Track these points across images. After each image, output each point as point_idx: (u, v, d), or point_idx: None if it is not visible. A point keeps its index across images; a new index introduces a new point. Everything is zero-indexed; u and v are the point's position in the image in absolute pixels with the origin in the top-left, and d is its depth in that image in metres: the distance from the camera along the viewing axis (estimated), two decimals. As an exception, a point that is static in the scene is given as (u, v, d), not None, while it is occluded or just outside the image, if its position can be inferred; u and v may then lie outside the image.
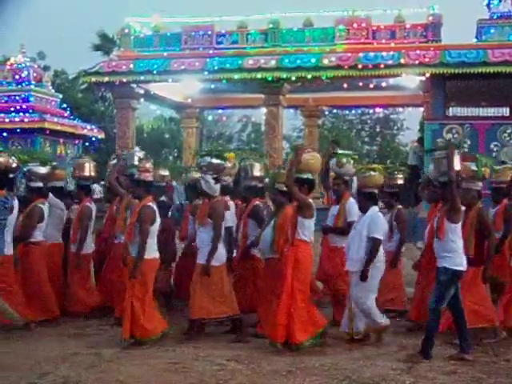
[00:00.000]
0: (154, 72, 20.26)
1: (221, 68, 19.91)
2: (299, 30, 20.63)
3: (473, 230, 8.90)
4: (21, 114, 19.35)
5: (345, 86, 20.61)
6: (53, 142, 19.83)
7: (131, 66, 20.51)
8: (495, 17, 18.97)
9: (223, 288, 8.89)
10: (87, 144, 21.97)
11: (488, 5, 19.26)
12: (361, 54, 19.29)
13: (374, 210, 8.83)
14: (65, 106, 22.09)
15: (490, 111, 18.93)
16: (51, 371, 7.35)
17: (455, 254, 8.15)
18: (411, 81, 19.75)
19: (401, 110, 32.12)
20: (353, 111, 33.97)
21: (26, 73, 20.02)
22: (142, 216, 8.60)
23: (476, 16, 19.41)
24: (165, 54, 20.82)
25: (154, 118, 40.46)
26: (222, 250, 8.93)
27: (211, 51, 20.62)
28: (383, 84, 20.57)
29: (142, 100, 22.48)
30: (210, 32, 20.91)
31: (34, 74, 20.25)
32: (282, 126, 21.46)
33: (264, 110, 21.21)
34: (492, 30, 18.87)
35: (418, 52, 18.97)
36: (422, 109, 21.77)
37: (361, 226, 8.79)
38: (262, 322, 8.95)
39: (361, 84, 20.51)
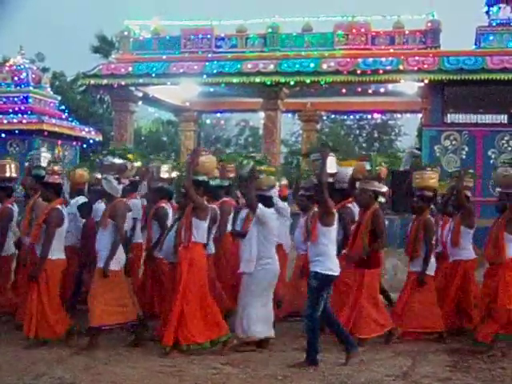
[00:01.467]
0: (153, 75, 20.30)
1: (219, 72, 19.94)
2: (298, 34, 20.69)
3: (367, 231, 8.80)
4: (19, 115, 19.33)
5: (343, 91, 20.68)
6: (51, 143, 19.81)
7: (130, 68, 20.55)
8: (494, 24, 19.02)
9: (123, 293, 8.65)
10: (85, 146, 21.96)
11: (487, 12, 19.33)
12: (360, 60, 19.34)
13: (261, 209, 8.56)
14: (63, 107, 22.07)
15: (488, 118, 18.95)
16: (46, 372, 7.35)
17: (326, 258, 7.97)
18: (410, 87, 19.80)
19: (399, 115, 32.18)
20: (351, 116, 33.97)
21: (24, 74, 20.00)
22: (49, 218, 8.57)
23: (475, 23, 19.48)
24: (164, 57, 20.87)
25: (151, 121, 40.45)
26: (122, 254, 8.70)
27: (210, 55, 20.66)
28: (382, 90, 20.63)
29: (140, 103, 22.51)
30: (209, 36, 20.95)
31: (33, 76, 20.23)
32: (280, 130, 21.48)
33: (262, 114, 21.25)
34: (491, 37, 18.91)
35: (416, 58, 19.02)
36: (420, 115, 21.82)
37: (253, 226, 8.79)
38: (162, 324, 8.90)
39: (359, 89, 20.58)
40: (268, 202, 8.67)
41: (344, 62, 19.47)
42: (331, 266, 7.99)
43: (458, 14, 46.01)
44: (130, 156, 9.73)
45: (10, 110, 19.51)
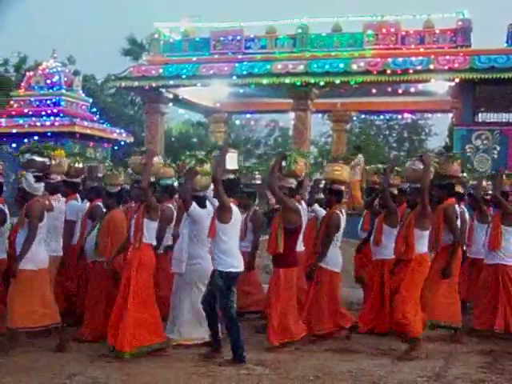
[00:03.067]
0: (183, 77, 20.41)
1: (249, 73, 20.00)
2: (328, 35, 20.67)
3: (281, 228, 8.69)
4: (52, 117, 19.49)
5: (373, 91, 20.62)
6: (82, 145, 19.96)
7: (160, 70, 20.68)
8: (527, 21, 18.86)
9: (43, 294, 8.36)
10: (116, 148, 22.09)
11: (519, 9, 19.17)
12: (389, 60, 19.28)
13: (194, 209, 8.51)
14: (95, 110, 22.23)
15: (521, 117, 18.82)
16: (80, 372, 7.43)
17: (227, 255, 7.97)
18: (440, 86, 19.70)
19: (429, 115, 32.00)
20: (381, 117, 33.86)
21: (57, 77, 20.15)
22: None
23: (507, 20, 19.30)
24: (194, 58, 20.95)
25: (182, 123, 40.58)
26: (42, 254, 8.38)
27: (240, 56, 20.71)
28: (412, 89, 20.55)
29: (170, 104, 22.62)
30: (238, 37, 21.00)
31: (65, 79, 20.38)
32: (310, 130, 21.48)
33: (292, 114, 21.25)
34: (523, 35, 18.77)
35: (447, 57, 18.92)
36: (450, 114, 21.69)
37: (186, 226, 8.79)
38: (86, 324, 8.89)
39: (389, 89, 20.52)
40: (202, 202, 8.65)
41: (374, 61, 19.42)
42: (233, 262, 8.01)
43: (489, 11, 45.66)
44: (57, 152, 9.69)
45: (43, 113, 19.66)
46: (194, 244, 8.67)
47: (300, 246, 9.60)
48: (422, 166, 8.66)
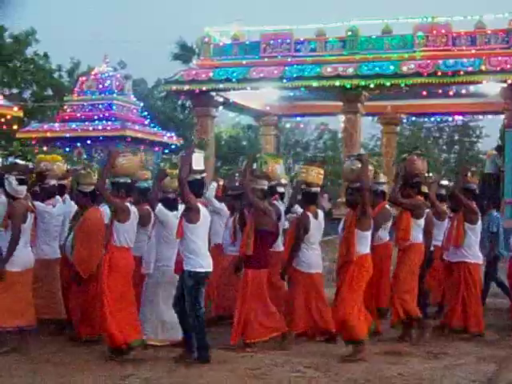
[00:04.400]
0: (233, 80, 20.49)
1: (299, 76, 20.01)
2: (378, 37, 20.58)
3: (252, 229, 8.64)
4: (103, 122, 19.80)
5: (424, 93, 20.45)
6: (133, 149, 20.19)
7: (211, 74, 20.79)
8: None
9: (23, 295, 8.43)
10: (166, 151, 22.31)
11: None
12: (440, 61, 19.13)
13: (160, 210, 8.47)
14: (145, 113, 22.47)
15: None
16: (133, 373, 7.52)
17: (196, 255, 7.94)
18: (492, 87, 19.47)
19: (480, 117, 31.63)
20: (431, 119, 33.57)
21: (108, 82, 20.48)
22: None
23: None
24: (244, 62, 21.03)
25: (232, 126, 40.78)
26: (26, 255, 8.46)
27: (290, 59, 20.72)
28: (463, 91, 20.32)
29: (221, 108, 22.72)
30: (288, 40, 21.01)
31: (117, 83, 20.71)
32: (360, 133, 21.41)
33: (342, 117, 21.20)
34: None
35: (499, 58, 18.71)
36: (502, 116, 21.41)
37: (156, 228, 8.74)
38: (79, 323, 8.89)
39: (440, 91, 20.31)
40: (171, 204, 8.66)
41: (424, 63, 19.29)
42: (202, 262, 7.97)
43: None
44: (53, 157, 9.81)
45: (95, 117, 19.99)
46: (162, 245, 8.69)
47: (279, 246, 9.68)
48: (360, 166, 8.56)
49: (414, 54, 19.85)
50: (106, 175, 8.50)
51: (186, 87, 21.14)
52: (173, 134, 22.57)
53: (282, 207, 9.97)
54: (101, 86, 20.42)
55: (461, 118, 32.82)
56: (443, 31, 19.96)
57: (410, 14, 21.88)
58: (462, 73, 18.75)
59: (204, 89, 21.03)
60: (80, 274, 8.92)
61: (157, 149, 21.72)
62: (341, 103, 20.72)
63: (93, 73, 21.16)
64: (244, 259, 8.83)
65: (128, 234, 8.36)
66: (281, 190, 10.29)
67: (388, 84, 19.59)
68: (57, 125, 20.40)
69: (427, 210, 10.14)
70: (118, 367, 7.74)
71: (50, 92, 33.78)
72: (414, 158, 9.46)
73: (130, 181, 8.64)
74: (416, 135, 41.48)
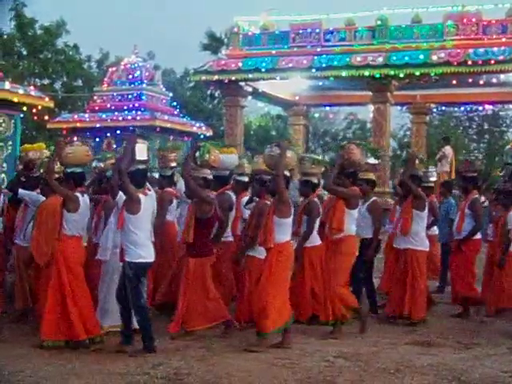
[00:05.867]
0: (263, 70, 20.53)
1: (328, 65, 20.01)
2: (407, 26, 20.51)
3: (193, 218, 8.60)
4: (133, 112, 19.86)
5: (453, 82, 20.33)
6: (163, 139, 20.27)
7: (240, 64, 20.84)
8: None
9: None
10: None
11: None
12: (470, 50, 19.02)
13: (121, 197, 8.26)
14: (175, 104, 22.53)
15: None
16: (163, 362, 7.56)
17: (136, 246, 7.90)
18: (523, 76, 19.32)
19: (511, 106, 31.36)
20: (461, 108, 33.31)
21: (138, 72, 20.53)
22: None
23: None
24: (273, 51, 21.05)
25: (261, 116, 40.76)
26: None
27: (319, 49, 20.71)
28: (493, 80, 20.17)
29: (250, 98, 22.76)
30: (317, 30, 20.99)
31: (146, 74, 20.76)
32: (390, 123, 21.34)
33: (371, 107, 21.13)
34: None
35: (530, 47, 18.52)
36: (533, 105, 21.26)
37: (113, 215, 8.70)
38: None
39: (470, 80, 20.18)
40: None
41: (454, 52, 19.19)
42: (142, 253, 7.94)
43: None
44: (37, 146, 9.81)
45: (125, 108, 20.07)
46: (118, 232, 8.57)
47: (228, 236, 9.69)
48: (278, 152, 8.50)
49: (444, 43, 19.74)
50: (52, 166, 8.64)
51: (215, 77, 21.22)
52: (202, 124, 22.59)
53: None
54: (130, 77, 20.49)
55: (491, 107, 32.58)
56: (473, 20, 19.82)
57: (440, 2, 21.70)
58: (492, 62, 18.64)
59: (233, 79, 21.09)
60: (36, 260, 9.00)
61: (186, 138, 21.77)
62: (370, 93, 20.67)
63: (122, 63, 21.23)
64: (186, 248, 8.84)
65: (78, 224, 8.42)
66: (242, 179, 10.23)
67: (418, 73, 19.52)
68: (87, 115, 20.51)
69: (374, 198, 10.31)
70: (149, 356, 7.80)
71: (79, 83, 33.99)
72: (351, 147, 9.25)
73: (79, 170, 8.62)
74: (445, 125, 41.17)
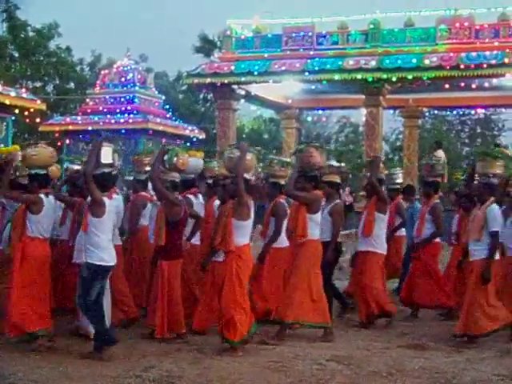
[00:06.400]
0: (255, 73, 20.53)
1: (321, 69, 20.03)
2: (400, 30, 20.55)
3: (163, 221, 8.58)
4: (126, 115, 19.84)
5: (446, 86, 20.38)
6: (155, 142, 20.25)
7: (232, 67, 20.84)
8: None
9: None
10: (188, 144, 22.35)
11: None
12: (463, 54, 19.07)
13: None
14: (167, 107, 22.53)
15: None
16: (155, 365, 7.55)
17: (98, 248, 7.85)
18: (515, 81, 19.37)
19: (503, 110, 31.45)
20: (454, 112, 33.42)
21: (131, 75, 20.52)
22: None
23: None
24: (265, 55, 21.06)
25: (253, 119, 40.79)
26: None
27: (312, 52, 20.73)
28: (486, 84, 20.22)
29: (242, 101, 22.76)
30: (310, 33, 21.01)
31: (139, 76, 20.75)
32: (382, 126, 21.37)
33: (364, 110, 21.16)
34: None
35: (523, 51, 18.58)
36: (526, 109, 21.32)
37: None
38: None
39: (462, 84, 20.23)
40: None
41: (447, 56, 19.24)
42: (103, 256, 7.89)
43: None
44: (12, 148, 9.57)
45: (117, 110, 20.04)
46: None
47: (196, 239, 9.68)
48: (238, 154, 8.48)
49: (437, 46, 19.79)
50: (9, 168, 8.66)
51: (208, 80, 21.21)
52: (194, 127, 22.60)
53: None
54: (123, 79, 20.47)
55: (483, 111, 32.67)
56: (466, 24, 19.88)
57: (433, 6, 21.77)
58: (485, 66, 18.68)
59: (226, 82, 21.08)
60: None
61: (178, 141, 21.76)
62: (363, 96, 20.70)
63: (115, 66, 21.21)
64: (158, 251, 8.80)
65: (41, 225, 8.41)
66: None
67: (410, 77, 19.56)
68: (79, 118, 20.48)
69: (337, 201, 10.19)
70: (141, 359, 7.79)
71: (72, 85, 33.97)
72: (311, 150, 9.07)
73: (43, 172, 8.60)
74: (438, 128, 41.29)
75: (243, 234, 8.39)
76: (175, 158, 8.93)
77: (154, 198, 9.67)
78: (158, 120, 20.32)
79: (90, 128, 19.86)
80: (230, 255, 8.30)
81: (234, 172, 8.42)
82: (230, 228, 8.28)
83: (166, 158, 8.90)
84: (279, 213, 9.66)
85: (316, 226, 9.10)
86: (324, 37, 21.05)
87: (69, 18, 41.56)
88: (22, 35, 31.63)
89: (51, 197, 8.63)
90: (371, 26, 20.56)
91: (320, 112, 29.26)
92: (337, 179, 10.44)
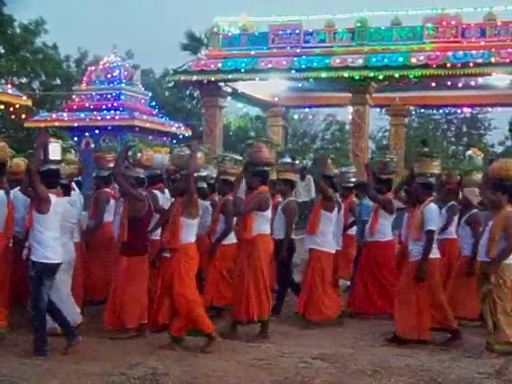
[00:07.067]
0: (242, 71, 20.53)
1: (308, 67, 20.04)
2: (387, 28, 20.57)
3: (126, 217, 8.61)
4: (112, 111, 19.71)
5: (432, 85, 20.43)
6: (142, 139, 20.14)
7: (219, 64, 20.82)
8: None
9: None
10: (175, 141, 22.28)
11: None
12: (449, 53, 19.12)
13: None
14: (154, 104, 22.44)
15: None
16: (140, 362, 7.53)
17: (42, 246, 7.78)
18: (501, 80, 19.45)
19: (489, 109, 31.58)
20: (440, 111, 33.53)
21: (117, 72, 20.38)
22: None
23: None
24: (252, 52, 21.05)
25: (240, 116, 40.75)
26: None
27: (298, 50, 20.73)
28: (472, 83, 20.29)
29: (229, 98, 22.74)
30: (297, 31, 21.01)
31: (125, 73, 20.59)
32: (368, 125, 21.39)
33: (350, 108, 21.18)
34: None
35: (509, 50, 18.72)
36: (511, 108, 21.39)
37: None
38: None
39: (449, 83, 20.28)
40: (65, 190, 8.65)
41: (433, 55, 19.28)
42: (48, 253, 7.81)
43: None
44: None
45: (104, 107, 19.91)
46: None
47: (155, 235, 9.64)
48: (188, 152, 8.48)
49: (424, 45, 19.83)
50: None
51: (195, 77, 21.20)
52: (181, 125, 22.50)
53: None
54: (109, 76, 20.30)
55: (469, 110, 32.78)
56: (453, 23, 19.93)
57: (420, 5, 21.81)
58: (471, 65, 18.73)
59: (212, 79, 21.07)
60: None
61: (165, 139, 21.67)
62: (349, 94, 20.72)
63: (101, 62, 21.07)
64: (120, 246, 8.78)
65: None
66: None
67: (397, 75, 19.60)
68: (65, 114, 20.30)
69: (290, 199, 10.26)
70: (125, 356, 7.77)
71: (58, 82, 33.79)
72: (259, 145, 9.00)
73: None
74: (424, 127, 41.41)
75: (191, 232, 8.35)
76: (139, 154, 8.92)
77: (118, 194, 9.64)
78: (145, 117, 20.17)
79: (76, 124, 19.70)
80: (176, 252, 8.25)
81: (185, 170, 8.37)
82: (178, 226, 8.23)
83: (129, 153, 8.88)
84: (229, 210, 9.62)
85: (265, 222, 9.04)
86: (311, 35, 21.05)
87: (54, 15, 41.36)
88: (9, 31, 31.45)
89: (2, 192, 8.47)
90: (358, 25, 20.58)
91: (306, 110, 29.32)
92: (292, 177, 10.43)
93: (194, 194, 8.30)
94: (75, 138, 19.39)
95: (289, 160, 10.65)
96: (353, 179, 11.88)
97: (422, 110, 33.00)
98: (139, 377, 7.03)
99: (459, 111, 34.50)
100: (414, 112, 32.38)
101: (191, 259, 8.32)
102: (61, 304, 8.24)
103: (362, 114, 20.65)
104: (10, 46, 31.46)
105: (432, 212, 8.88)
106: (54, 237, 7.94)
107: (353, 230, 11.70)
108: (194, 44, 37.44)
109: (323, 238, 9.75)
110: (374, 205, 10.56)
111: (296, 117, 34.65)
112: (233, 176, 9.79)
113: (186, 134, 22.29)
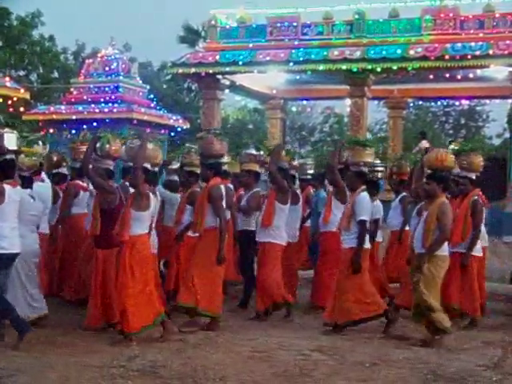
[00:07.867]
0: (240, 63, 20.48)
1: (306, 59, 19.99)
2: (385, 20, 20.51)
3: (97, 209, 8.56)
4: (110, 104, 19.70)
5: (431, 77, 20.38)
6: (139, 131, 20.12)
7: (217, 57, 20.78)
8: None
9: None
10: (173, 134, 22.26)
11: None
12: (448, 45, 19.06)
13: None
14: (152, 96, 22.42)
15: None
16: (139, 355, 7.55)
17: None
18: (499, 72, 19.41)
19: (487, 101, 31.53)
20: (438, 103, 33.48)
21: (115, 64, 20.35)
22: None
23: None
24: (250, 45, 20.99)
25: (238, 109, 40.73)
26: None
27: (296, 42, 20.68)
28: (470, 75, 20.24)
29: (227, 91, 22.70)
30: (295, 23, 20.95)
31: (123, 66, 20.56)
32: (366, 117, 21.37)
33: (348, 101, 21.15)
34: None
35: (507, 42, 18.63)
36: (510, 100, 21.37)
37: None
38: None
39: (447, 75, 20.24)
40: (26, 182, 8.58)
41: (432, 47, 19.22)
42: (4, 244, 7.68)
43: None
44: None
45: (102, 100, 19.90)
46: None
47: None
48: (138, 144, 8.47)
49: (422, 37, 19.77)
50: None
51: (193, 70, 21.15)
52: (179, 117, 22.48)
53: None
54: (107, 69, 20.28)
55: (467, 102, 32.73)
56: (451, 15, 19.86)
57: (418, -4, 21.74)
58: (469, 57, 18.69)
59: (210, 72, 21.03)
60: None
61: (163, 131, 21.65)
62: (347, 87, 20.68)
63: (99, 55, 21.04)
64: (94, 240, 8.76)
65: None
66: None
67: (395, 68, 19.54)
68: (63, 107, 20.30)
69: (256, 189, 10.26)
70: (124, 349, 7.77)
71: (56, 74, 33.77)
72: (211, 139, 9.08)
73: None
74: (422, 119, 41.39)
75: (141, 224, 8.25)
76: (107, 145, 8.86)
77: (90, 186, 9.61)
78: (143, 110, 20.17)
79: (74, 117, 19.71)
80: (123, 245, 8.15)
81: (133, 162, 8.34)
82: (127, 218, 8.16)
83: (98, 145, 8.83)
84: (195, 201, 9.50)
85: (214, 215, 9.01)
86: (309, 27, 21.00)
87: (52, 7, 41.25)
88: (6, 24, 31.40)
89: None
90: (356, 17, 20.52)
91: (304, 102, 29.27)
92: (256, 168, 10.41)
93: (142, 186, 8.23)
94: (73, 131, 19.44)
95: (253, 151, 10.59)
96: (310, 171, 11.93)
97: (420, 103, 32.98)
98: (138, 369, 7.04)
99: (457, 103, 34.45)
100: (411, 104, 32.41)
101: (138, 252, 8.19)
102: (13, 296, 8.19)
103: (360, 107, 20.61)
104: (7, 38, 31.43)
105: (363, 201, 8.92)
106: (11, 227, 7.82)
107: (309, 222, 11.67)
108: (191, 37, 37.40)
109: (277, 230, 9.69)
110: (328, 196, 10.43)
111: (294, 109, 34.63)
112: (197, 168, 9.78)
113: (184, 127, 22.28)
